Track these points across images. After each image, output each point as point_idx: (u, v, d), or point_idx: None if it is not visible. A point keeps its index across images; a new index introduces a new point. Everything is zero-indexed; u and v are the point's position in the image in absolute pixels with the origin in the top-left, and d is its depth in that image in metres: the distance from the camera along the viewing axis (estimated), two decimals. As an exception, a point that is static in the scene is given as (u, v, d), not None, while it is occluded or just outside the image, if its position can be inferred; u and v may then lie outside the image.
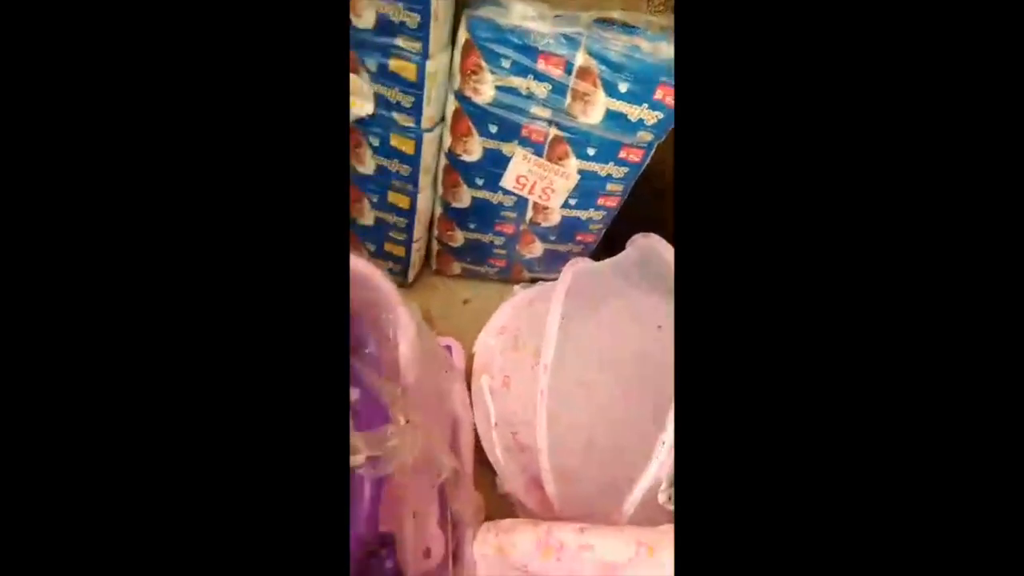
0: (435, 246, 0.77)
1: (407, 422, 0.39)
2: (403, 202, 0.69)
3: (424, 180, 0.66)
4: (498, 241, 0.74)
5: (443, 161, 0.65)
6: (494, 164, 0.63)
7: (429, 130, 0.61)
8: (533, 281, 0.81)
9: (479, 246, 0.75)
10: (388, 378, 0.41)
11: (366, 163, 0.66)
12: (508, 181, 0.65)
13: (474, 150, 0.62)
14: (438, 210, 0.71)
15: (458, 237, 0.74)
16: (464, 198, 0.68)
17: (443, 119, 0.62)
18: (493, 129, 0.60)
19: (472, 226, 0.72)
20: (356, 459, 0.37)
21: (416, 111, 0.59)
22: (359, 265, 0.45)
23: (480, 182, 0.66)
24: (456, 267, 0.80)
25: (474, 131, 0.60)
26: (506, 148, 0.62)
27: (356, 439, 0.37)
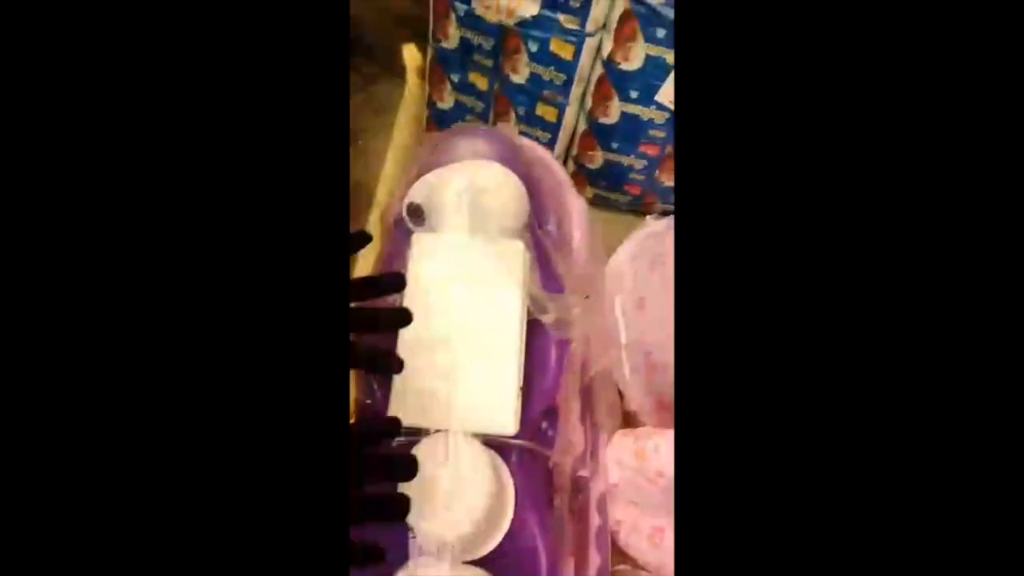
0: (570, 166, 0.76)
1: (587, 297, 0.39)
2: (550, 115, 0.68)
3: (576, 91, 0.65)
4: (639, 164, 0.72)
5: (598, 71, 0.64)
6: (654, 74, 0.61)
7: (591, 34, 0.60)
8: (664, 215, 0.78)
9: (618, 170, 0.73)
10: (564, 257, 0.41)
11: (520, 71, 0.65)
12: (665, 94, 0.63)
13: (635, 57, 0.60)
14: (582, 127, 0.70)
15: (598, 158, 0.73)
16: (613, 112, 0.67)
17: (604, 25, 0.60)
18: (660, 33, 0.58)
19: (615, 146, 0.70)
20: (546, 317, 0.37)
21: (583, 11, 0.58)
22: (543, 153, 0.45)
23: (634, 95, 0.64)
24: (588, 191, 0.79)
25: (639, 35, 0.59)
26: (670, 56, 0.59)
27: (544, 299, 0.37)
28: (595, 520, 0.51)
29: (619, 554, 0.62)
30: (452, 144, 0.41)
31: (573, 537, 0.46)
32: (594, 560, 0.49)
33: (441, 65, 0.72)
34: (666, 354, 0.63)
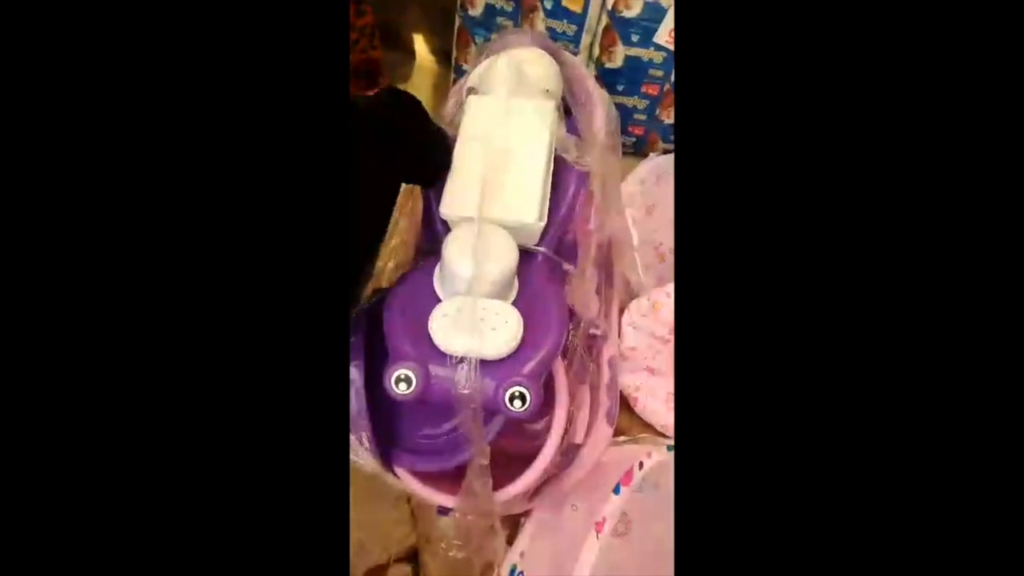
0: (583, 113, 0.88)
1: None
2: (564, 62, 0.80)
3: (585, 40, 0.78)
4: (641, 105, 0.84)
5: (604, 20, 0.76)
6: (652, 18, 0.73)
7: (597, -12, 0.72)
8: (665, 153, 0.89)
9: (623, 112, 0.85)
10: (586, 127, 0.51)
11: (536, 26, 0.78)
12: (661, 35, 0.74)
13: (635, 4, 0.73)
14: (591, 72, 0.82)
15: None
16: (617, 58, 0.78)
17: (607, -21, 0.72)
18: (654, -19, 0.70)
19: (620, 88, 0.82)
20: (569, 155, 0.47)
21: (590, -33, 0.70)
22: (567, 55, 0.56)
23: (635, 39, 0.76)
24: (598, 136, 0.90)
25: (636, -16, 0.71)
26: (665, 0, 0.71)
27: (569, 140, 0.47)
28: (606, 373, 0.59)
29: (639, 423, 0.71)
30: (498, 44, 0.53)
31: (587, 374, 0.55)
32: (604, 402, 0.57)
33: (468, 30, 0.85)
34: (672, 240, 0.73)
